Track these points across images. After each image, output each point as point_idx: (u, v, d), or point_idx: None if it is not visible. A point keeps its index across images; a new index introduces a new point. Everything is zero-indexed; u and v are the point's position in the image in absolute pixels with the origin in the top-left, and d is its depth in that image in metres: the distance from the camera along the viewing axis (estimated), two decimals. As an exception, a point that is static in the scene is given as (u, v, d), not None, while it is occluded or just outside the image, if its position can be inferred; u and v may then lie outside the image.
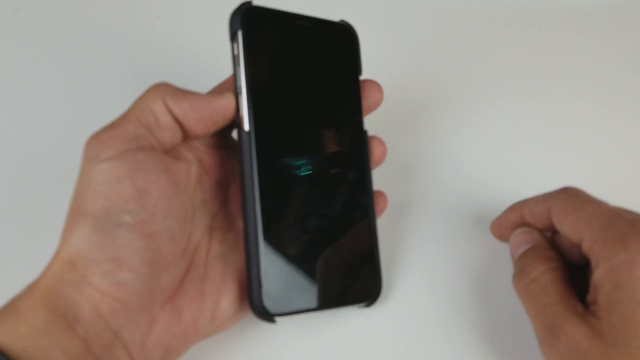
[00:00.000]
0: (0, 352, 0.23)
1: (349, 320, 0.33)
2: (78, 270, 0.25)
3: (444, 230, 0.37)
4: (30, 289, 0.25)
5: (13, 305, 0.25)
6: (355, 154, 0.32)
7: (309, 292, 0.30)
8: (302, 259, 0.30)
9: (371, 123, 0.34)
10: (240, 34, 0.29)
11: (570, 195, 0.31)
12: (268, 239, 0.29)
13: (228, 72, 0.31)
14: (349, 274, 0.31)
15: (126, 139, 0.26)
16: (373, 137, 0.34)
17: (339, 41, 0.32)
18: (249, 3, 0.30)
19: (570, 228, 0.30)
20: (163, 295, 0.27)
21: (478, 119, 0.44)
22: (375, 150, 0.33)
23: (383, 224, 0.36)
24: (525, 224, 0.33)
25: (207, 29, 0.46)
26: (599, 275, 0.27)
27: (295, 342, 0.33)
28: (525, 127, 0.43)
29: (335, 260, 0.31)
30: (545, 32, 0.49)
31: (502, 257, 0.36)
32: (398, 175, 0.39)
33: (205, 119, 0.29)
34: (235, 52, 0.29)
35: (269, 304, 0.29)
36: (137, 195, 0.26)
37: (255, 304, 0.29)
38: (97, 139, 0.26)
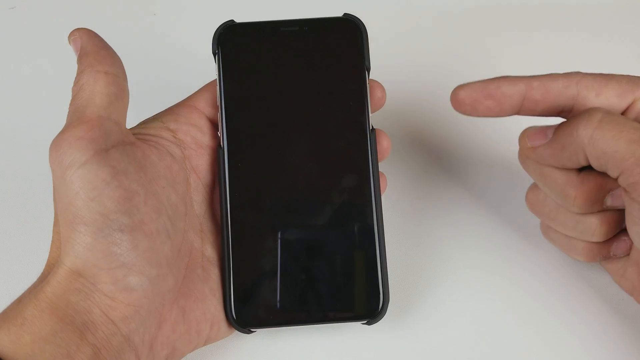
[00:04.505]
0: None
1: (353, 335, 0.32)
2: (86, 279, 0.25)
3: (460, 237, 0.36)
4: (35, 297, 0.25)
5: (16, 312, 0.24)
6: (357, 156, 0.30)
7: (289, 305, 0.29)
8: (281, 269, 0.29)
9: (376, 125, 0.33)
10: (218, 55, 0.30)
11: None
12: (239, 248, 0.29)
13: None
14: (340, 287, 0.30)
15: (94, 138, 0.25)
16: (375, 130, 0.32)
17: (339, 38, 0.31)
18: (228, 23, 0.30)
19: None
20: (170, 296, 0.27)
21: (485, 120, 0.43)
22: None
23: (394, 231, 0.35)
24: (521, 104, 0.29)
25: (204, 26, 0.46)
26: None
27: (283, 354, 0.32)
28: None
29: (323, 271, 0.30)
30: (555, 31, 0.48)
31: (523, 262, 0.34)
32: (405, 178, 0.38)
33: None
34: (215, 72, 0.30)
35: (241, 314, 0.29)
36: (127, 196, 0.25)
37: (227, 313, 0.29)
38: (66, 142, 0.25)
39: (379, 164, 0.31)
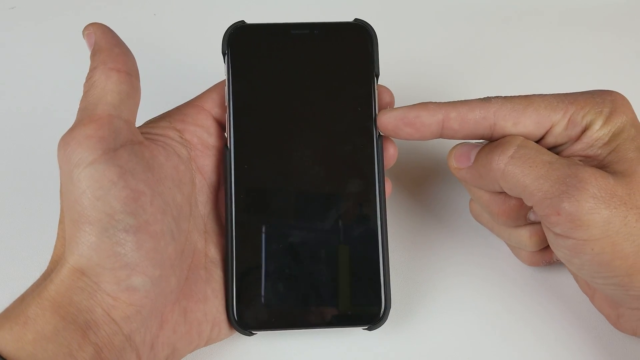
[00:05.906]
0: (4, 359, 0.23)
1: (353, 339, 0.32)
2: (90, 277, 0.25)
3: (464, 244, 0.36)
4: (39, 295, 0.25)
5: (19, 311, 0.24)
6: (363, 162, 0.30)
7: (291, 308, 0.29)
8: (284, 272, 0.29)
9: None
10: (227, 57, 0.30)
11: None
12: (243, 250, 0.29)
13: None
14: (342, 292, 0.29)
15: (103, 137, 0.25)
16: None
17: (349, 43, 0.31)
18: (239, 23, 0.31)
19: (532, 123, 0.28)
20: (172, 297, 0.27)
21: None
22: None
23: (396, 236, 0.35)
24: (440, 131, 0.29)
25: (204, 26, 0.46)
26: (593, 133, 0.28)
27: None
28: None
29: (325, 275, 0.30)
30: (562, 31, 0.48)
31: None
32: (408, 183, 0.38)
33: None
34: (224, 73, 0.30)
35: (243, 316, 0.29)
36: (134, 196, 0.25)
37: (229, 315, 0.29)
38: (75, 140, 0.25)
39: (395, 180, 0.32)
